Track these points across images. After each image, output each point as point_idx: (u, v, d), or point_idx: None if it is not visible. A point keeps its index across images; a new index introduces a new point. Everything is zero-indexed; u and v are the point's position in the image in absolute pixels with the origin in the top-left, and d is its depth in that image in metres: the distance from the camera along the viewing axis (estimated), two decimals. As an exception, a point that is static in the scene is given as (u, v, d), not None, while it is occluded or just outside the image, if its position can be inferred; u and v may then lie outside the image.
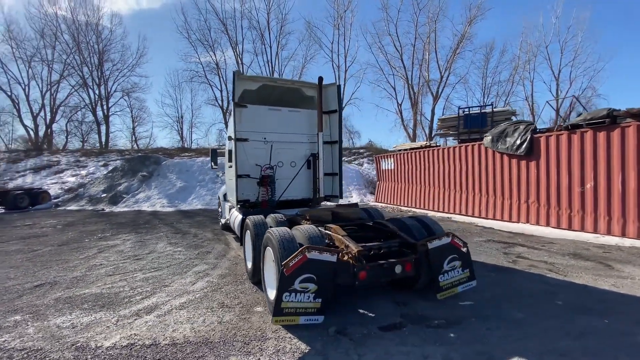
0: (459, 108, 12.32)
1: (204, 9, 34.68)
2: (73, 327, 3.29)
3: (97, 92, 32.02)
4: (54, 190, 17.79)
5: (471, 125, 11.58)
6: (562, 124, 8.92)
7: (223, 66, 32.64)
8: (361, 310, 3.61)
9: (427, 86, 32.42)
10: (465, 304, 3.74)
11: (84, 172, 20.27)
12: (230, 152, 6.81)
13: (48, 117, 31.60)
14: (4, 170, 20.26)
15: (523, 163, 9.09)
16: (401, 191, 14.45)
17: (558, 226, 8.15)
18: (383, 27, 32.53)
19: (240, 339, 3.01)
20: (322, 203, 7.11)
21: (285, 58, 33.47)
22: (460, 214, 11.11)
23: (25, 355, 2.78)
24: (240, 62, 32.19)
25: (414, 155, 13.56)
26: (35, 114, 30.92)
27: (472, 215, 10.61)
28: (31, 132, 30.99)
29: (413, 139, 31.65)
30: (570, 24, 32.93)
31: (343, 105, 33.72)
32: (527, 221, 8.93)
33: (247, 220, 4.70)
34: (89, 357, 2.75)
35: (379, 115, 57.10)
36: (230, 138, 6.26)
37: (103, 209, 14.92)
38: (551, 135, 8.37)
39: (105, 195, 16.54)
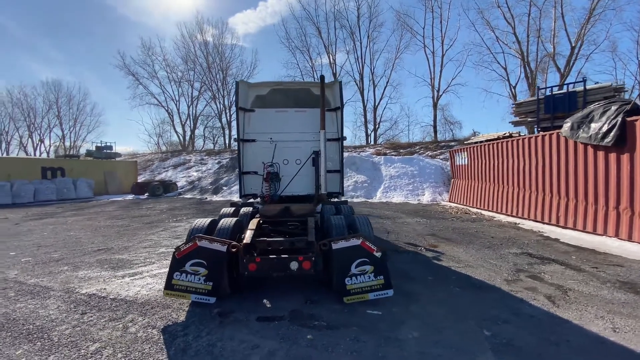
0: (538, 88, 9.82)
1: (300, 17, 37.51)
2: (82, 278, 4.73)
3: (222, 102, 39.16)
4: (181, 182, 23.08)
5: (555, 109, 9.11)
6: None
7: (319, 68, 34.71)
8: (265, 301, 3.83)
9: (552, 61, 26.36)
10: (372, 313, 3.47)
11: (203, 168, 25.40)
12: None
13: (191, 125, 40.64)
14: (155, 167, 27.47)
15: (612, 156, 6.81)
16: (472, 190, 12.65)
17: (658, 245, 5.84)
18: (490, -1, 28.11)
19: (154, 304, 3.75)
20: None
21: (376, 51, 33.04)
22: (533, 219, 9.07)
23: (40, 289, 4.26)
24: (333, 61, 33.58)
25: (487, 149, 11.65)
26: (183, 123, 40.27)
27: (548, 223, 8.52)
28: (180, 137, 40.51)
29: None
30: None
31: (440, 94, 30.98)
32: (616, 234, 6.67)
33: (222, 210, 5.44)
34: (66, 297, 4.00)
35: (488, 101, 49.16)
36: (235, 139, 7.13)
37: (205, 198, 18.57)
38: (650, 118, 6.01)
39: (211, 187, 20.46)
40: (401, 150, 22.72)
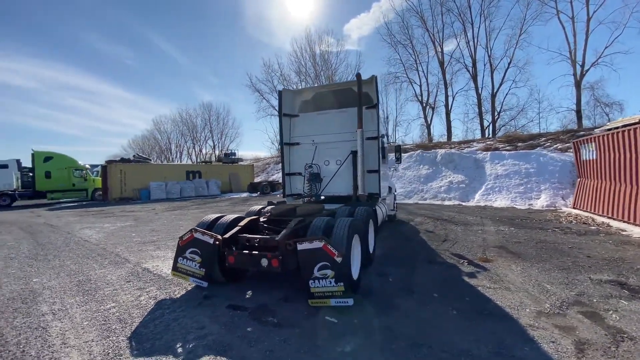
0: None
1: (401, 9, 35.74)
2: (152, 256, 6.15)
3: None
4: (287, 182, 25.76)
5: None
6: None
7: (424, 60, 32.56)
8: (249, 292, 4.16)
9: None
10: (328, 320, 3.34)
11: (307, 169, 27.60)
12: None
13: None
14: (270, 169, 31.53)
15: None
16: (601, 193, 9.55)
17: None
18: None
19: (172, 281, 4.61)
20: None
21: (493, 30, 28.51)
22: (685, 237, 6.25)
23: (123, 261, 5.80)
24: (439, 50, 30.88)
25: (622, 137, 8.61)
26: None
27: None
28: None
29: None
30: None
31: (586, 69, 24.39)
32: None
33: (249, 209, 6.07)
34: (131, 268, 5.35)
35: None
36: (279, 144, 7.66)
37: (301, 197, 20.23)
38: None
39: (308, 186, 22.10)
40: (519, 144, 18.97)
